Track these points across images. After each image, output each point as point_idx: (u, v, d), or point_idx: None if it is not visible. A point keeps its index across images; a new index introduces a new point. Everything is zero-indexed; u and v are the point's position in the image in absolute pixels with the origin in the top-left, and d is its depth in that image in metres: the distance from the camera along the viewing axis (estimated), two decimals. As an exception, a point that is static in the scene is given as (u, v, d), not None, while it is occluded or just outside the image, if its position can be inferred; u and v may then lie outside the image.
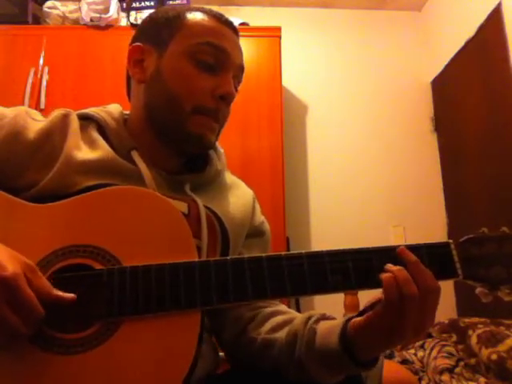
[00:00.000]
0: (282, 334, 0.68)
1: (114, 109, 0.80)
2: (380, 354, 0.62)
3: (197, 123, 0.74)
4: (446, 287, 2.44)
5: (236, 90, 0.80)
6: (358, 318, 0.59)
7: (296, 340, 0.65)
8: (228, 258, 0.60)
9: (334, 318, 0.66)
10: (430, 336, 1.76)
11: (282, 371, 0.67)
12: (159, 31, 0.78)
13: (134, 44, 0.80)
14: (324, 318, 0.67)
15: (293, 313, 0.76)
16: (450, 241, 0.61)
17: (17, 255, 0.53)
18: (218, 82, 0.75)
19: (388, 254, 0.59)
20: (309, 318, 0.67)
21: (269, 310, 0.76)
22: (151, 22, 0.81)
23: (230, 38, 0.78)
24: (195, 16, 0.77)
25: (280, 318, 0.73)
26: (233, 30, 0.79)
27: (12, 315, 0.49)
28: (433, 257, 0.59)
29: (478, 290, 0.60)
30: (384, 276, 0.55)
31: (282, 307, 0.79)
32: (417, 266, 0.56)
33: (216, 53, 0.75)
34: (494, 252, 0.60)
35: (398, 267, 0.56)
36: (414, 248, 0.59)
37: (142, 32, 0.82)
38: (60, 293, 0.54)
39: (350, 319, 0.61)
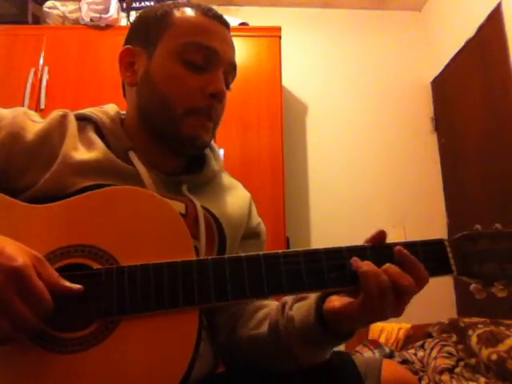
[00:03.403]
0: (264, 328, 0.70)
1: (111, 109, 0.80)
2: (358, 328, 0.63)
3: (190, 125, 0.73)
4: (446, 287, 2.44)
5: (228, 88, 0.79)
6: (335, 304, 0.60)
7: (278, 329, 0.67)
8: (225, 256, 0.60)
9: (305, 298, 0.67)
10: (430, 336, 1.76)
11: (272, 363, 0.69)
12: (148, 32, 0.77)
13: (124, 47, 0.79)
14: (297, 300, 0.68)
15: (271, 304, 0.77)
16: (445, 238, 0.62)
17: (24, 247, 0.53)
18: (208, 80, 0.73)
19: (382, 250, 0.60)
20: (284, 306, 0.68)
21: (253, 306, 0.77)
22: (140, 23, 0.80)
23: (220, 33, 0.76)
24: (183, 13, 0.76)
25: (261, 312, 0.75)
26: (223, 23, 0.77)
27: (23, 306, 0.49)
28: (428, 254, 0.60)
29: (473, 286, 0.61)
30: (361, 270, 0.57)
31: (266, 301, 0.79)
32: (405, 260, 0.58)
33: (204, 52, 0.73)
34: (487, 248, 0.61)
35: (366, 262, 0.58)
36: (409, 245, 0.60)
37: (132, 34, 0.81)
38: (68, 283, 0.54)
39: (322, 299, 0.62)
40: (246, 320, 0.75)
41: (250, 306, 0.77)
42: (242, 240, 0.84)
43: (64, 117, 0.74)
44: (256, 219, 0.89)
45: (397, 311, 0.57)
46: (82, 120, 0.76)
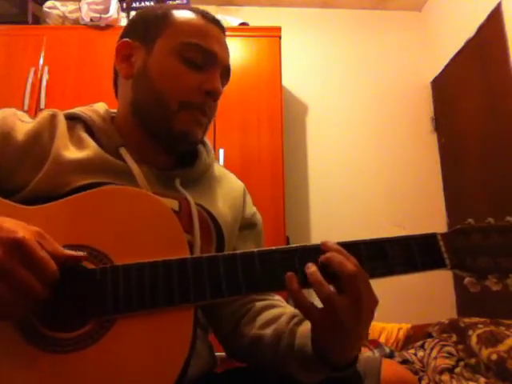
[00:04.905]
0: (269, 331, 0.69)
1: (100, 107, 0.80)
2: (351, 353, 0.60)
3: (183, 120, 0.74)
4: (446, 286, 2.44)
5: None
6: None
7: (279, 340, 0.66)
8: (219, 253, 0.60)
9: None
10: (430, 336, 1.76)
11: (267, 368, 0.69)
12: (147, 28, 0.78)
13: (122, 40, 0.80)
14: None
15: (284, 307, 0.76)
16: (437, 232, 0.62)
17: (23, 223, 0.53)
18: (205, 78, 0.74)
19: (379, 245, 0.60)
20: (292, 318, 0.68)
21: (262, 304, 0.76)
22: (140, 19, 0.81)
23: (218, 37, 0.78)
24: (183, 14, 0.78)
25: (271, 312, 0.74)
26: (220, 28, 0.79)
27: (28, 275, 0.49)
28: (421, 248, 0.60)
29: (467, 280, 0.60)
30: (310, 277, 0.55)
31: (276, 300, 0.79)
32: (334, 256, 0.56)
33: (204, 54, 0.75)
34: (480, 242, 0.61)
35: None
36: (402, 240, 0.61)
37: (131, 28, 0.82)
38: (71, 252, 0.55)
39: None
40: (252, 318, 0.75)
41: (258, 304, 0.76)
42: (239, 231, 0.84)
43: (53, 116, 0.74)
44: (251, 209, 0.89)
45: (356, 315, 0.54)
46: (72, 119, 0.77)
